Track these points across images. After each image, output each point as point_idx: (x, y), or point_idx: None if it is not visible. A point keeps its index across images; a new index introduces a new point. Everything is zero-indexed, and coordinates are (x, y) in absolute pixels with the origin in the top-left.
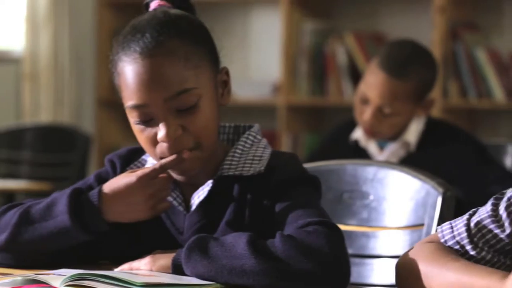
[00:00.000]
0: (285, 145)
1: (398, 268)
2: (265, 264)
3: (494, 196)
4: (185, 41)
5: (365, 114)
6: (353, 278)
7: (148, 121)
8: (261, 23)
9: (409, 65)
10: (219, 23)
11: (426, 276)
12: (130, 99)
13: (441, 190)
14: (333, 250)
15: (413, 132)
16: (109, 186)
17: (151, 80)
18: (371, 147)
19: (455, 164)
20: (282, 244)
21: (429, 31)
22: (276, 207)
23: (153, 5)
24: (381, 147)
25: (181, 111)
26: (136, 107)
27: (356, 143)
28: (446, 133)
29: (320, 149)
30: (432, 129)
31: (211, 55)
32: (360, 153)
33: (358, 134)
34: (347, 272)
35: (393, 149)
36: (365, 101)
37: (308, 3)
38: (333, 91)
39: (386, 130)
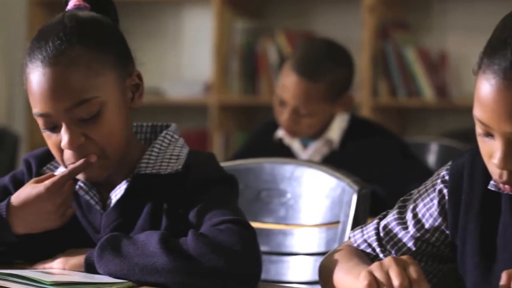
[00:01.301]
0: (217, 144)
1: (319, 268)
2: (177, 261)
3: (401, 199)
4: (88, 48)
5: (283, 115)
6: (270, 276)
7: (53, 128)
8: (193, 22)
9: (321, 66)
10: (151, 22)
11: (328, 279)
12: (34, 107)
13: (356, 187)
14: (244, 248)
15: (336, 130)
16: (17, 198)
17: (51, 90)
18: (295, 145)
19: (377, 162)
20: (194, 241)
21: (359, 30)
22: (192, 206)
23: (71, 3)
24: (305, 145)
25: (83, 120)
26: (40, 115)
27: (280, 141)
28: (369, 131)
29: (245, 147)
30: (355, 127)
31: (119, 60)
32: (285, 151)
33: (282, 132)
34: (258, 270)
35: (316, 147)
36: (282, 103)
37: (239, 2)
38: (264, 90)
39: (305, 130)
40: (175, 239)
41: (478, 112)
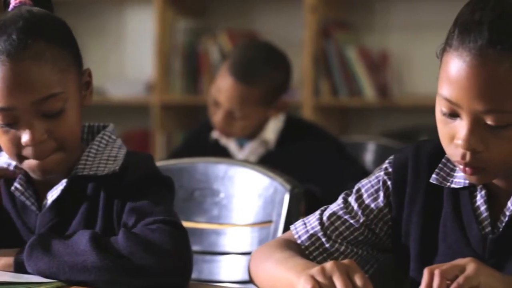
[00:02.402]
0: (159, 144)
1: (250, 259)
2: (107, 260)
3: (344, 192)
4: (52, 43)
5: (217, 116)
6: (204, 275)
7: (12, 124)
8: (135, 21)
9: (258, 71)
10: (93, 21)
11: (257, 269)
12: None
13: (288, 187)
14: (175, 248)
15: (272, 130)
16: None
17: (18, 84)
18: (231, 145)
19: (313, 162)
20: (125, 240)
21: (301, 30)
22: (127, 206)
23: (13, 2)
24: (241, 145)
25: (47, 115)
26: (1, 110)
27: (216, 141)
28: (305, 131)
29: (182, 147)
30: (291, 127)
31: (76, 57)
32: (221, 151)
33: (217, 133)
34: (188, 270)
35: (252, 147)
36: (216, 104)
37: (181, 2)
38: (206, 90)
39: (238, 132)
40: (106, 238)
41: (447, 91)
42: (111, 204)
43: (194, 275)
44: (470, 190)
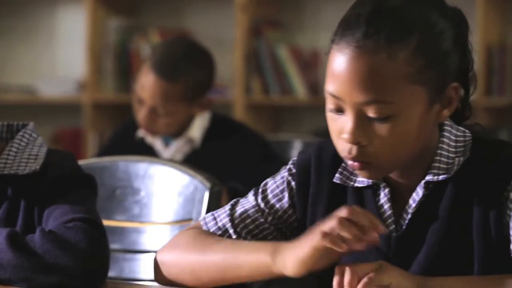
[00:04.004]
0: (91, 143)
1: (157, 262)
2: (22, 257)
3: (253, 189)
4: None
5: (140, 114)
6: (124, 274)
7: None
8: (66, 20)
9: (179, 66)
10: (24, 20)
11: (189, 263)
12: None
13: (208, 185)
14: (90, 246)
15: (198, 128)
16: None
17: None
18: (157, 143)
19: (238, 160)
20: (41, 238)
21: (232, 29)
22: (48, 204)
23: None
24: (167, 143)
25: None
26: None
27: (142, 140)
28: (230, 129)
29: (108, 146)
30: (216, 125)
31: None
32: (147, 150)
33: (143, 132)
34: (103, 269)
35: (178, 146)
36: (140, 101)
37: (113, 0)
38: None
39: (163, 129)
40: (23, 236)
41: (330, 86)
42: (32, 203)
43: (115, 274)
44: (373, 188)
